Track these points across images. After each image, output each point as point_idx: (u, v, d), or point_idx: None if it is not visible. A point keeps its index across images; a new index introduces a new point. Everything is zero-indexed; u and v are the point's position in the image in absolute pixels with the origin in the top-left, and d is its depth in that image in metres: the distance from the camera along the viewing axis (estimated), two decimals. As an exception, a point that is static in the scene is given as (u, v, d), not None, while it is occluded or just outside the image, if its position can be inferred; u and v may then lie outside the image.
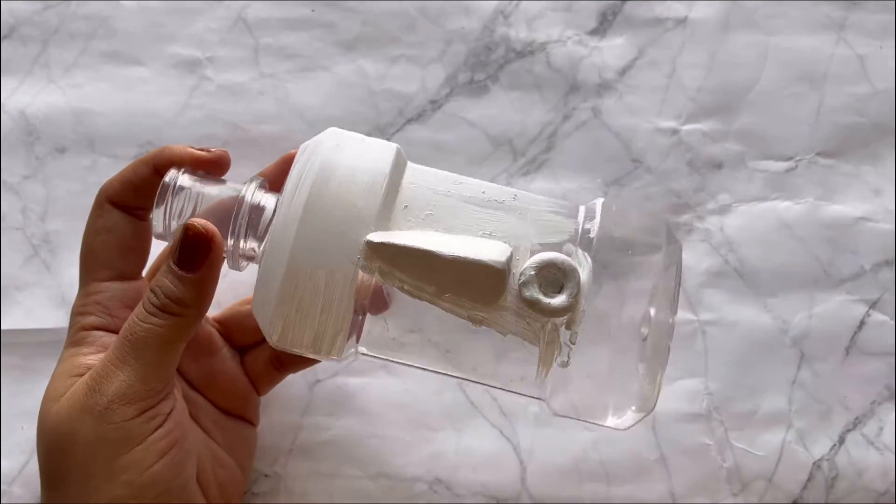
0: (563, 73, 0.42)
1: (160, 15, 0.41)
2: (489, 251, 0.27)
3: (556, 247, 0.28)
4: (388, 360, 0.31)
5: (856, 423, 0.40)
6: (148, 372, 0.28)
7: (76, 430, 0.28)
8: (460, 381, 0.39)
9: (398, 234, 0.28)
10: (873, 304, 0.41)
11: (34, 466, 0.30)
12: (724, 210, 0.41)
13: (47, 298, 0.39)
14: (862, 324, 0.41)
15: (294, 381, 0.38)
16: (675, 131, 0.42)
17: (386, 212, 0.28)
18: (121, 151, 0.40)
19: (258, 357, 0.35)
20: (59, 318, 0.39)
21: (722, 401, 0.39)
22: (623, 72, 0.42)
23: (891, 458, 0.39)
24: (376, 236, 0.27)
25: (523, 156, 0.41)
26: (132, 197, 0.31)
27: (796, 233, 0.41)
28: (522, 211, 0.29)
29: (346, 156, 0.28)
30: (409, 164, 0.30)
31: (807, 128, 0.42)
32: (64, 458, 0.28)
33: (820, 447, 0.39)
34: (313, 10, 0.42)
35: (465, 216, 0.28)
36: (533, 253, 0.28)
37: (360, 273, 0.27)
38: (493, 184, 0.30)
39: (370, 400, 0.39)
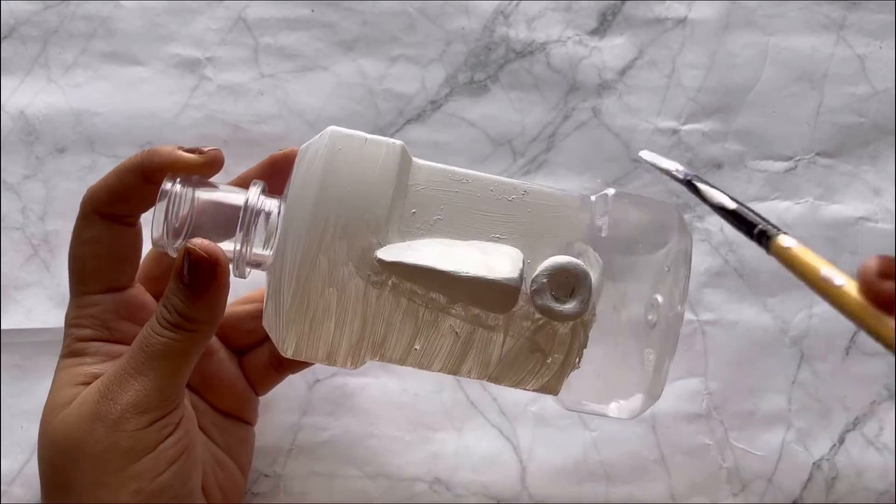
0: (563, 73, 0.42)
1: (160, 15, 0.41)
2: (502, 266, 0.27)
3: (569, 246, 0.28)
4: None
5: (855, 423, 0.40)
6: (164, 382, 0.28)
7: (86, 438, 0.28)
8: (460, 380, 0.39)
9: (409, 248, 0.27)
10: (873, 304, 0.41)
11: (34, 466, 0.30)
12: (723, 210, 0.41)
13: (47, 298, 0.39)
14: (862, 324, 0.41)
15: (293, 382, 0.38)
16: (674, 131, 0.42)
17: (395, 219, 0.28)
18: (121, 151, 0.40)
19: (257, 358, 0.35)
20: (59, 318, 0.38)
21: (722, 401, 0.39)
22: (623, 72, 0.42)
23: (890, 458, 0.39)
24: (387, 253, 0.27)
25: (523, 156, 0.41)
26: (120, 206, 0.30)
27: (796, 233, 0.41)
28: (533, 208, 0.29)
29: (349, 162, 0.28)
30: (415, 162, 0.29)
31: (806, 128, 0.42)
32: (71, 466, 0.28)
33: (820, 447, 0.39)
34: (313, 10, 0.42)
35: (475, 219, 0.28)
36: (545, 255, 0.28)
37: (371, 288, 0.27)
38: (501, 178, 0.29)
39: (369, 400, 0.39)
